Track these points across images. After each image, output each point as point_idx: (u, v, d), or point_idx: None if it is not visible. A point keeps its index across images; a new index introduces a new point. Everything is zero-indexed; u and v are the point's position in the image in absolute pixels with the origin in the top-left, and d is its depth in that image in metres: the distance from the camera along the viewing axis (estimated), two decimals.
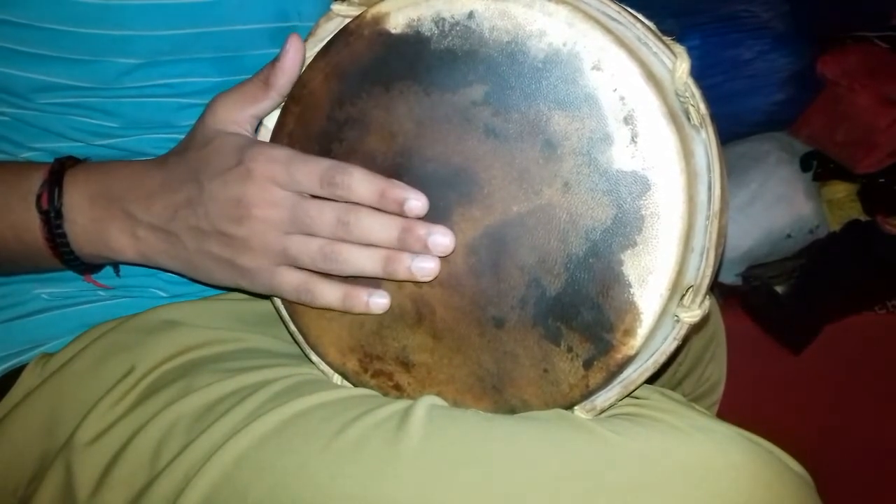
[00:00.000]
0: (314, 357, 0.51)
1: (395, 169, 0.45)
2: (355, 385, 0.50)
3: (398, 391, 0.49)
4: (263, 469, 0.44)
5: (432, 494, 0.42)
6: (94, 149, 0.54)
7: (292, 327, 0.51)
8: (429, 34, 0.44)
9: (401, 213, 0.44)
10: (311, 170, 0.44)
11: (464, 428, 0.44)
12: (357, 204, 0.44)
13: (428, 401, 0.46)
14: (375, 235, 0.44)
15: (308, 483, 0.43)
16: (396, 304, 0.47)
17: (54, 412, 0.51)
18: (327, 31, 0.47)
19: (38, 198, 0.49)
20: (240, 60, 0.56)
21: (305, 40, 0.47)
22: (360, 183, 0.44)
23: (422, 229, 0.44)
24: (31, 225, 0.49)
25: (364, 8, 0.45)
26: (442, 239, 0.44)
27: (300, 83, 0.47)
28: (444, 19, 0.43)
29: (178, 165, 0.47)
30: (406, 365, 0.48)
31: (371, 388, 0.49)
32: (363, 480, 0.43)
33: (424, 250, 0.45)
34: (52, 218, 0.49)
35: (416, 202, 0.44)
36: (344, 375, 0.50)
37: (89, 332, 0.54)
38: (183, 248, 0.47)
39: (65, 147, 0.54)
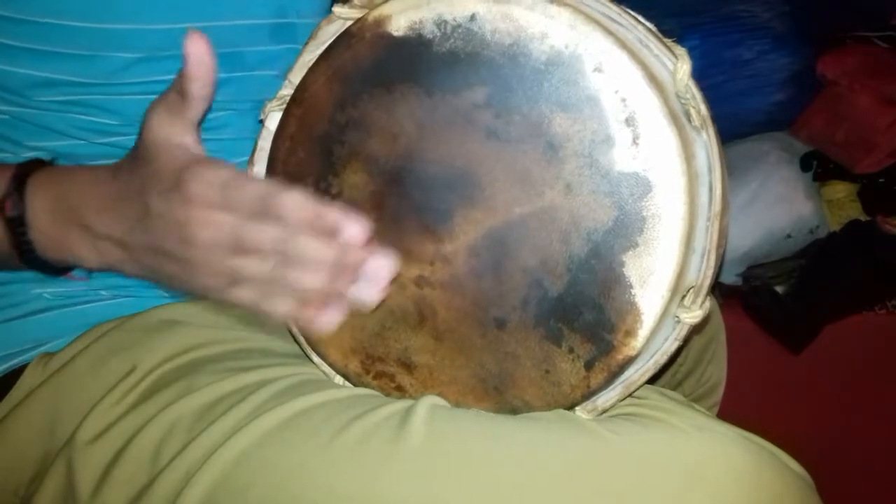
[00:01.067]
0: (315, 358, 0.51)
1: (397, 171, 0.45)
2: (357, 386, 0.50)
3: (400, 392, 0.49)
4: (264, 467, 0.44)
5: (433, 493, 0.42)
6: (94, 147, 0.54)
7: (294, 328, 0.51)
8: (431, 37, 0.44)
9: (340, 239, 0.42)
10: (245, 194, 0.42)
11: (465, 427, 0.44)
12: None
13: (429, 400, 0.46)
14: (312, 257, 0.42)
15: (309, 481, 0.43)
16: (398, 306, 0.48)
17: (55, 411, 0.51)
18: (329, 33, 0.47)
19: (2, 204, 0.47)
20: (239, 56, 0.56)
21: (307, 43, 0.47)
22: (295, 208, 0.41)
23: (358, 255, 0.42)
24: None
25: (366, 10, 0.45)
26: (381, 261, 0.42)
27: (302, 86, 0.47)
28: (445, 22, 0.43)
29: (127, 178, 0.45)
30: (408, 366, 0.48)
31: (373, 388, 0.49)
32: (364, 479, 0.43)
33: (361, 276, 0.42)
34: (16, 225, 0.47)
35: (353, 229, 0.41)
36: (345, 377, 0.50)
37: (90, 331, 0.54)
38: (140, 261, 0.46)
39: (65, 145, 0.54)
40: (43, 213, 0.47)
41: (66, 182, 0.47)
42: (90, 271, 0.54)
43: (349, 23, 0.46)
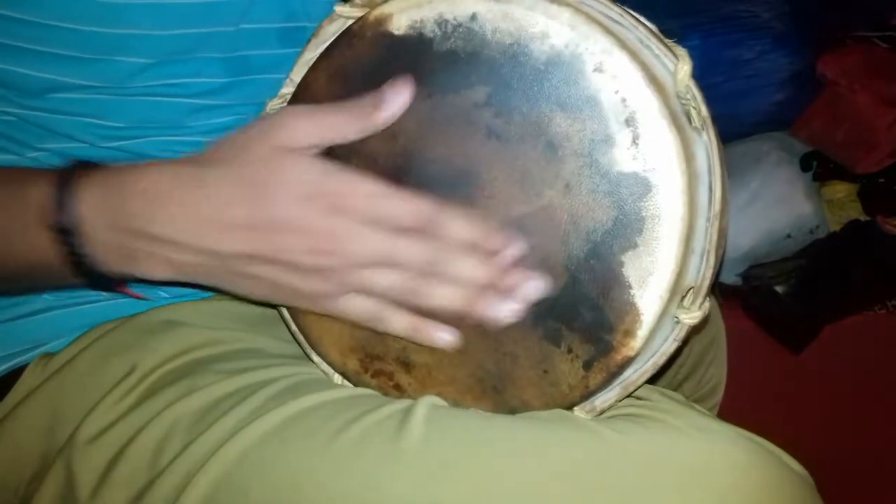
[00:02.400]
0: (315, 357, 0.51)
1: (397, 170, 0.45)
2: (356, 385, 0.50)
3: (398, 391, 0.49)
4: (264, 468, 0.44)
5: (432, 492, 0.42)
6: (99, 150, 0.54)
7: (293, 327, 0.51)
8: (431, 36, 0.44)
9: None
10: (410, 209, 0.43)
11: (464, 427, 0.44)
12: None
13: (428, 400, 0.46)
14: (465, 277, 0.43)
15: (309, 481, 0.43)
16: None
17: (55, 411, 0.51)
18: (330, 32, 0.47)
19: (48, 213, 0.43)
20: (248, 60, 0.56)
21: (308, 42, 0.47)
22: (461, 229, 0.43)
23: (515, 277, 0.44)
24: (40, 245, 0.44)
25: (367, 9, 0.45)
26: (535, 284, 0.44)
27: (303, 84, 0.47)
28: (446, 21, 0.43)
29: (227, 182, 0.42)
30: (406, 365, 0.48)
31: (371, 388, 0.49)
32: (364, 479, 0.43)
33: (513, 296, 0.44)
34: (68, 236, 0.43)
35: (514, 251, 0.43)
36: (344, 375, 0.50)
37: (90, 331, 0.54)
38: (226, 269, 0.44)
39: (70, 148, 0.54)
40: (98, 221, 0.44)
41: (123, 187, 0.44)
42: (151, 283, 0.51)
43: (350, 22, 0.46)
